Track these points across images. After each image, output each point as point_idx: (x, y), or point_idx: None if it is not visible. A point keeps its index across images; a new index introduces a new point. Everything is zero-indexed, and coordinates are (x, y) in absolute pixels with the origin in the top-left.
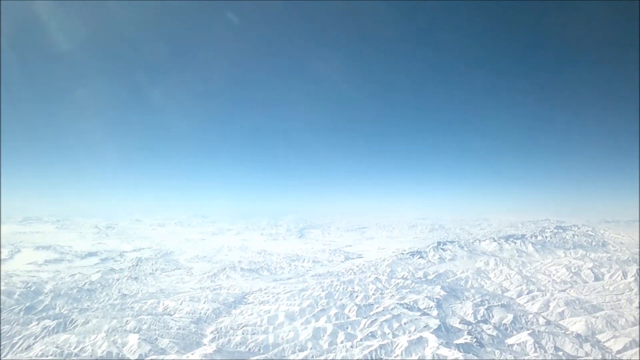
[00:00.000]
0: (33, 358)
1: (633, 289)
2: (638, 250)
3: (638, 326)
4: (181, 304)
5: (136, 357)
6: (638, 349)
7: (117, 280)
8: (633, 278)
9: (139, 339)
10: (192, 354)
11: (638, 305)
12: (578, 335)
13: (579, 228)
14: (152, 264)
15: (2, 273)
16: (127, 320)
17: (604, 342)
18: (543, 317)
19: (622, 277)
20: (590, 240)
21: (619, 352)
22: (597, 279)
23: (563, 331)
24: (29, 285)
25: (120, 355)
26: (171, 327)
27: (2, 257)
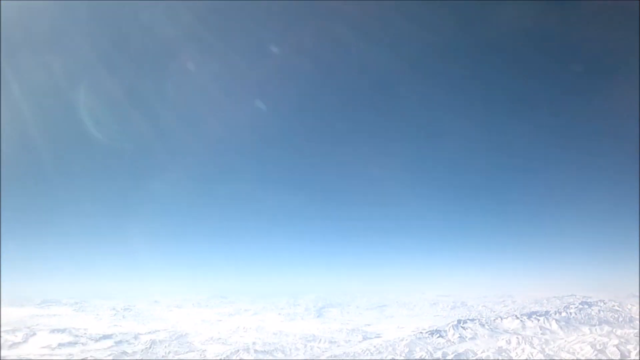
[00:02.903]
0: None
1: None
2: None
3: None
4: None
5: None
6: None
7: None
8: None
9: None
10: None
11: None
12: None
13: (605, 303)
14: (166, 347)
15: (15, 357)
16: None
17: None
18: None
19: None
20: (616, 315)
21: None
22: (623, 356)
23: None
24: None
25: None
26: None
27: (17, 340)
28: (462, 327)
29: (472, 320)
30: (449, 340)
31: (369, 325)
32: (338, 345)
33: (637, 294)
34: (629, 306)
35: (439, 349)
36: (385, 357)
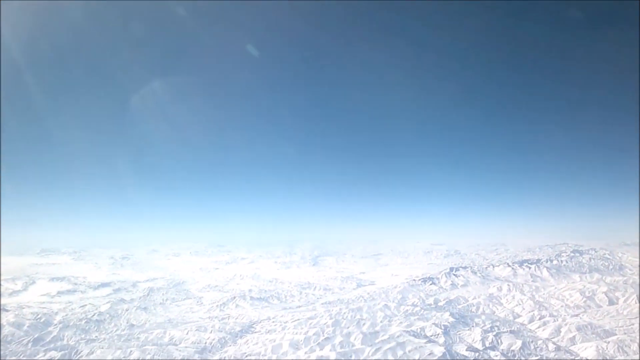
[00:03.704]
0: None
1: None
2: None
3: None
4: (187, 333)
5: None
6: None
7: (127, 310)
8: None
9: None
10: None
11: None
12: None
13: (596, 251)
14: (163, 294)
15: (15, 305)
16: (131, 351)
17: None
18: (553, 342)
19: (637, 301)
20: (607, 263)
21: None
22: (611, 303)
23: (573, 357)
24: (39, 316)
25: None
26: (175, 358)
27: (17, 288)
28: (454, 274)
29: (465, 268)
30: (441, 287)
31: (363, 273)
32: (332, 293)
33: (629, 242)
34: (620, 254)
35: (431, 296)
36: (378, 303)
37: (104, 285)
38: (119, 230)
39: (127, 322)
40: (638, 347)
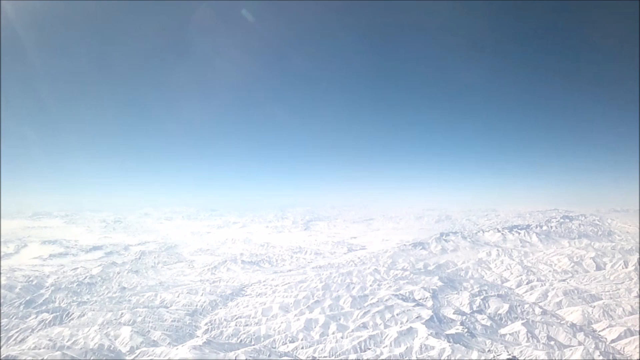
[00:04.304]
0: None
1: (633, 278)
2: None
3: (635, 315)
4: (178, 296)
5: (127, 349)
6: (633, 337)
7: (118, 273)
8: (634, 267)
9: (131, 331)
10: (183, 345)
11: (637, 294)
12: (573, 325)
13: (586, 217)
14: (155, 257)
15: (7, 267)
16: (122, 313)
17: (599, 332)
18: (540, 306)
19: (624, 267)
20: (596, 229)
21: (613, 341)
22: (598, 268)
23: (558, 321)
24: (30, 279)
25: (112, 348)
26: (165, 320)
27: (9, 251)
28: (444, 239)
29: (455, 233)
30: (431, 252)
31: (354, 237)
32: (323, 257)
33: (619, 209)
34: (609, 221)
35: (421, 260)
36: (368, 267)
37: (96, 248)
38: (111, 193)
39: (118, 285)
40: (623, 312)
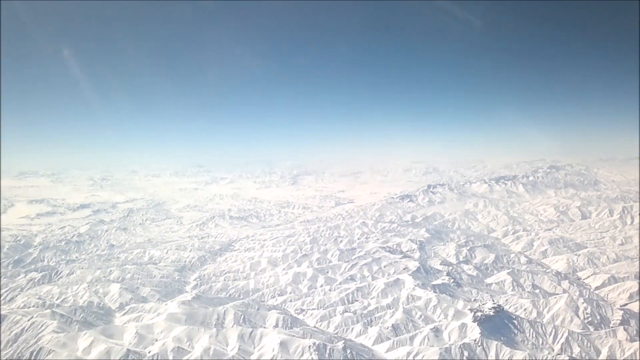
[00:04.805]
0: (20, 312)
1: (618, 227)
2: (629, 188)
3: (619, 263)
4: (167, 252)
5: (117, 306)
6: (617, 284)
7: (106, 231)
8: (619, 216)
9: (120, 288)
10: (172, 301)
11: (621, 242)
12: (558, 273)
13: (572, 167)
14: (143, 215)
15: None
16: (111, 270)
17: (583, 279)
18: (526, 256)
19: (609, 215)
20: (582, 179)
21: (597, 288)
22: (584, 217)
23: (544, 269)
24: (18, 238)
25: (101, 305)
26: (154, 276)
27: None
28: (431, 191)
29: (442, 185)
30: (419, 204)
31: (342, 191)
32: (311, 211)
33: (605, 158)
34: (595, 170)
35: (409, 213)
36: (356, 221)
37: (83, 206)
38: (98, 151)
39: (106, 243)
40: (607, 259)
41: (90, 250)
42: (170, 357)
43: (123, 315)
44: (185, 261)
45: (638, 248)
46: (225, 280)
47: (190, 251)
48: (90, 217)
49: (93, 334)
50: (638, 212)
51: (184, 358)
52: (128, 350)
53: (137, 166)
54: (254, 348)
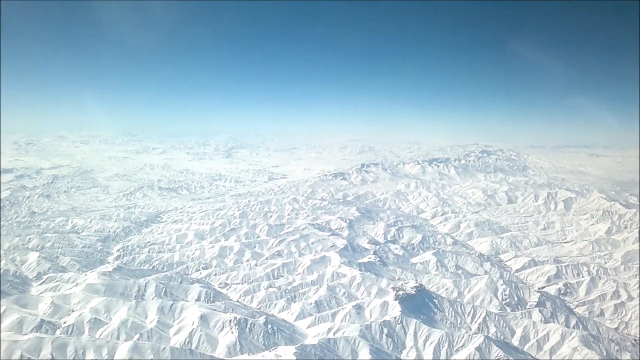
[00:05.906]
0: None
1: (542, 212)
2: (555, 175)
3: (540, 247)
4: (91, 222)
5: (34, 275)
6: (536, 267)
7: (28, 197)
8: (543, 201)
9: (39, 256)
10: (92, 271)
11: (544, 226)
12: (481, 255)
13: (503, 152)
14: (69, 182)
15: None
16: (30, 238)
17: (505, 262)
18: (452, 237)
19: (534, 200)
20: (512, 164)
21: (517, 270)
22: (510, 201)
23: (468, 251)
24: None
25: (17, 274)
26: (76, 245)
27: None
28: (365, 170)
29: (376, 164)
30: (352, 183)
31: (276, 166)
32: (243, 185)
33: (535, 145)
34: (525, 156)
35: (341, 191)
36: (287, 196)
37: (6, 171)
38: (24, 114)
39: (28, 210)
40: (529, 243)
41: (10, 216)
42: (87, 329)
43: (40, 284)
44: (109, 231)
45: (559, 233)
46: (149, 252)
47: (115, 221)
48: (12, 182)
49: (6, 303)
50: (562, 199)
51: (101, 329)
52: (42, 320)
53: (65, 131)
54: (174, 321)
